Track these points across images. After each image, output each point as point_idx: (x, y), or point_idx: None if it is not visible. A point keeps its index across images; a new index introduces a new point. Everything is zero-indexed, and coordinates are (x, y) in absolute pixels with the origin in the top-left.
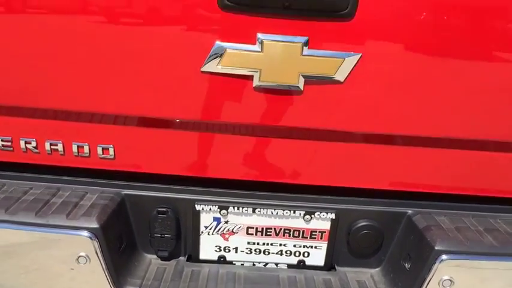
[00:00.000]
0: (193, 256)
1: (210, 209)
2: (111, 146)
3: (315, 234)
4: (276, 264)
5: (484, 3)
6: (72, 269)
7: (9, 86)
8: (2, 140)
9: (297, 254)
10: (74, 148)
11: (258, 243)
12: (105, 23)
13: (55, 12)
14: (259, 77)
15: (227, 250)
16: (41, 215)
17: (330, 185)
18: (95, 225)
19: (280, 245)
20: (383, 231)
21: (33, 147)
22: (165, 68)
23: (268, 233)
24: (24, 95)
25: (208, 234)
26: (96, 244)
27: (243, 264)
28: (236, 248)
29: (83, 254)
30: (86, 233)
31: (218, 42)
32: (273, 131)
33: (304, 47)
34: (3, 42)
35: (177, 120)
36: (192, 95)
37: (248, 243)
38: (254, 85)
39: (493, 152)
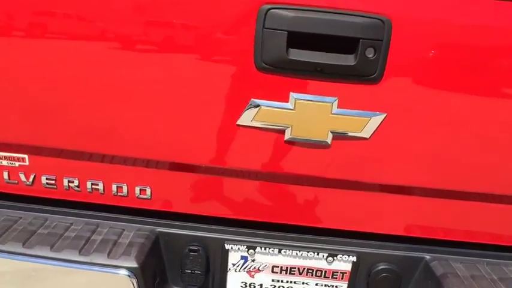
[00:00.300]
0: None
1: (239, 248)
2: (148, 187)
3: (336, 275)
4: None
5: None
6: None
7: (56, 130)
8: (46, 178)
9: None
10: (114, 188)
11: (282, 281)
12: (149, 79)
13: (102, 65)
14: (291, 132)
15: (252, 286)
16: (84, 253)
17: (352, 229)
18: (134, 264)
19: (303, 283)
20: (401, 275)
21: (76, 185)
22: (204, 120)
23: (292, 272)
24: (70, 139)
25: (235, 271)
26: (134, 282)
27: None
28: (261, 285)
29: None
30: (125, 272)
31: (253, 100)
32: (301, 180)
33: (333, 107)
34: (47, 90)
35: (212, 167)
36: (227, 145)
37: (273, 280)
38: (285, 138)
39: (507, 205)
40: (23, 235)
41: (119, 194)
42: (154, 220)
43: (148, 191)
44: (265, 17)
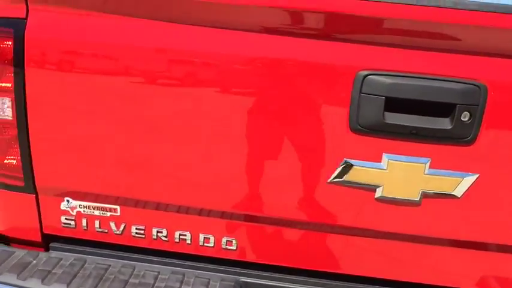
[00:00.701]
0: None
1: None
2: (235, 239)
3: None
4: None
5: None
6: None
7: (148, 184)
8: (136, 228)
9: None
10: (201, 239)
11: None
12: (245, 139)
13: (195, 122)
14: (382, 191)
15: None
16: None
17: (435, 284)
18: None
19: None
20: None
21: (164, 235)
22: (297, 177)
23: None
24: (160, 193)
25: None
26: None
27: None
28: None
29: None
30: None
31: (346, 159)
32: (389, 236)
33: (426, 167)
34: (141, 147)
35: (300, 221)
36: (318, 201)
37: None
38: (376, 196)
39: None
40: (117, 285)
41: (205, 244)
42: (239, 270)
43: (234, 242)
44: (362, 83)
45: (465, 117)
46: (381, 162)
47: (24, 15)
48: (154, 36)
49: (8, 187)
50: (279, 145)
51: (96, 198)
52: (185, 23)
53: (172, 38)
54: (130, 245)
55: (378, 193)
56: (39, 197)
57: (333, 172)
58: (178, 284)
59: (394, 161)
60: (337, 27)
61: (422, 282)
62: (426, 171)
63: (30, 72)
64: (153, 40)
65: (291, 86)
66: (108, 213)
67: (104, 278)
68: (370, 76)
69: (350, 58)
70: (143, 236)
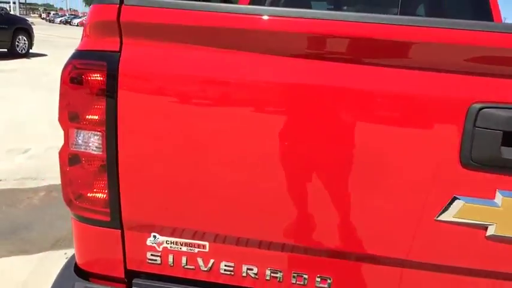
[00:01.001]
0: None
1: None
2: (330, 277)
3: None
4: None
5: None
6: None
7: (240, 220)
8: (225, 265)
9: None
10: (293, 278)
11: None
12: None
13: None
14: (495, 229)
15: None
16: None
17: None
18: None
19: None
20: None
21: (254, 273)
22: (402, 214)
23: None
24: (253, 229)
25: None
26: None
27: None
28: None
29: None
30: None
31: (456, 196)
32: (503, 276)
33: None
34: (233, 186)
35: (403, 260)
36: (424, 240)
37: None
38: (487, 235)
39: None
40: None
41: (298, 283)
42: None
43: (328, 281)
44: (476, 116)
45: None
46: (494, 199)
47: (118, 49)
48: (254, 68)
49: (91, 221)
50: (386, 180)
51: (184, 234)
52: (279, 54)
53: (272, 71)
54: (217, 282)
55: (490, 231)
56: (125, 232)
57: (441, 209)
58: None
59: (509, 198)
60: (452, 59)
61: None
62: None
63: (122, 106)
64: (254, 72)
65: (401, 118)
66: (196, 250)
67: None
68: (486, 109)
69: (463, 90)
70: (232, 273)
